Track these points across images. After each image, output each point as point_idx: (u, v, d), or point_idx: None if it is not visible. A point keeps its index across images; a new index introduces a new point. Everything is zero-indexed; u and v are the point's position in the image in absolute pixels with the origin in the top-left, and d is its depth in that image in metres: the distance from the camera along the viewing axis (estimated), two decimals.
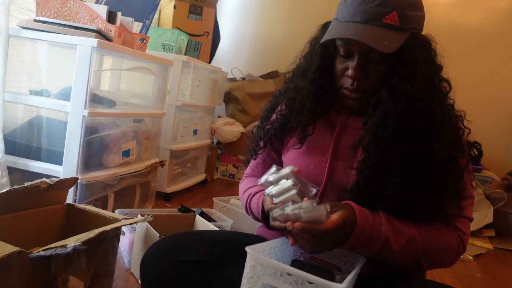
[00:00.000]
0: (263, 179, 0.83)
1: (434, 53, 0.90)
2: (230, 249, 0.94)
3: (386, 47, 0.81)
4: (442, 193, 0.86)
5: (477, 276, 1.94)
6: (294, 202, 0.79)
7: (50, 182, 1.09)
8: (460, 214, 0.89)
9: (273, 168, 0.84)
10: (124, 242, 1.41)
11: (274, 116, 1.06)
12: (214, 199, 1.95)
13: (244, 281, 0.72)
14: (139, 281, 1.10)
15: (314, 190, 0.81)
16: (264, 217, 0.94)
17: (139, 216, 1.26)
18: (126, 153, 1.75)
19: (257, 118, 1.15)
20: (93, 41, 1.44)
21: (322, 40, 0.88)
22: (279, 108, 1.06)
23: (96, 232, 0.89)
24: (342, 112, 0.97)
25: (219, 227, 1.43)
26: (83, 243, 0.83)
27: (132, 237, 1.39)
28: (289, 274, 0.69)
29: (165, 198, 2.28)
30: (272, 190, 0.81)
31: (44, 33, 1.51)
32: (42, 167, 1.53)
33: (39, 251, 0.78)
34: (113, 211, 1.50)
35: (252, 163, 1.14)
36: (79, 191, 1.50)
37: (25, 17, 1.76)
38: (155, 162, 1.98)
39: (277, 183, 0.81)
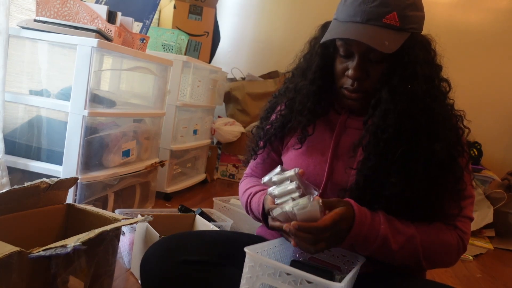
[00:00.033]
0: (266, 178, 0.83)
1: (434, 53, 0.90)
2: (230, 249, 0.94)
3: (386, 47, 0.81)
4: (442, 193, 0.86)
5: (477, 276, 1.94)
6: None
7: (50, 182, 1.09)
8: (460, 213, 0.89)
9: (278, 169, 0.84)
10: (124, 242, 1.41)
11: (273, 116, 1.06)
12: (214, 199, 1.95)
13: (243, 281, 0.72)
14: (139, 281, 1.10)
15: (316, 193, 0.81)
16: (265, 216, 0.94)
17: (139, 216, 1.26)
18: (126, 153, 1.75)
19: (257, 118, 1.15)
20: (93, 41, 1.44)
21: (322, 40, 0.88)
22: (278, 108, 1.06)
23: (96, 232, 0.89)
24: (342, 112, 0.97)
25: (219, 227, 1.43)
26: (83, 243, 0.83)
27: (132, 237, 1.39)
28: (288, 274, 0.69)
29: (165, 198, 2.28)
30: (274, 190, 0.81)
31: (44, 33, 1.51)
32: (42, 167, 1.53)
33: (39, 251, 0.78)
34: (113, 211, 1.50)
35: (252, 163, 1.14)
36: (79, 191, 1.50)
37: (25, 17, 1.76)
38: (155, 162, 1.98)
39: (280, 184, 0.81)
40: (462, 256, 0.93)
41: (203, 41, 2.75)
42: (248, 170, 1.16)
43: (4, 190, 1.00)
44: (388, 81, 0.86)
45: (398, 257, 0.85)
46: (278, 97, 1.08)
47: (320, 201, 0.76)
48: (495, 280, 1.91)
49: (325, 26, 0.97)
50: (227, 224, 1.62)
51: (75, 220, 1.17)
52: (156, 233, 1.22)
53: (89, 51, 1.45)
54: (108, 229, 0.94)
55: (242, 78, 3.34)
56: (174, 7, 2.71)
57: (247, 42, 3.56)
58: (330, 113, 1.00)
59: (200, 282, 0.88)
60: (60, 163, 1.52)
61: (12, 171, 1.54)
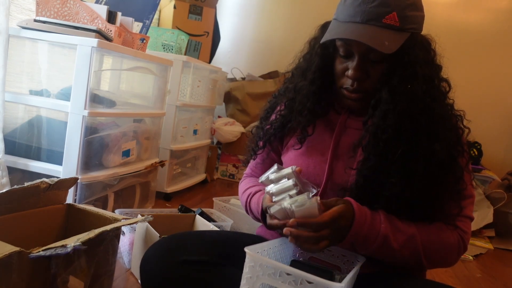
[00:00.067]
0: (264, 177, 0.84)
1: (433, 53, 0.90)
2: (230, 249, 0.94)
3: (386, 48, 0.81)
4: (442, 193, 0.86)
5: (477, 276, 1.94)
6: None
7: (50, 182, 1.09)
8: (460, 213, 0.89)
9: (274, 167, 0.84)
10: (124, 242, 1.41)
11: (273, 117, 1.06)
12: (214, 199, 1.95)
13: (243, 281, 0.72)
14: (139, 281, 1.10)
15: (314, 191, 0.81)
16: (264, 216, 0.94)
17: (139, 216, 1.26)
18: (126, 153, 1.75)
19: (257, 118, 1.15)
20: (93, 41, 1.44)
21: (322, 40, 0.88)
22: (278, 108, 1.06)
23: (96, 232, 0.89)
24: (342, 112, 0.97)
25: (219, 227, 1.43)
26: (83, 243, 0.83)
27: (132, 237, 1.39)
28: (288, 274, 0.69)
29: (165, 198, 2.28)
30: (272, 188, 0.81)
31: (44, 33, 1.51)
32: (42, 167, 1.53)
33: (39, 251, 0.78)
34: (113, 211, 1.50)
35: (252, 163, 1.14)
36: (79, 191, 1.50)
37: (25, 17, 1.76)
38: (155, 162, 1.98)
39: (278, 182, 0.81)
40: (462, 256, 0.93)
41: (203, 41, 2.75)
42: (248, 170, 1.16)
43: (4, 190, 1.00)
44: (388, 81, 0.86)
45: (399, 256, 0.85)
46: (277, 97, 1.08)
47: (318, 198, 0.76)
48: (495, 280, 1.91)
49: (324, 26, 0.97)
50: (227, 224, 1.62)
51: (75, 220, 1.17)
52: (156, 233, 1.22)
53: (89, 51, 1.45)
54: (108, 229, 0.94)
55: (242, 78, 3.34)
56: (174, 7, 2.71)
57: (247, 42, 3.56)
58: (330, 113, 1.00)
59: (200, 282, 0.88)
60: (60, 163, 1.52)
61: (12, 171, 1.54)
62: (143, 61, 1.90)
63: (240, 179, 1.30)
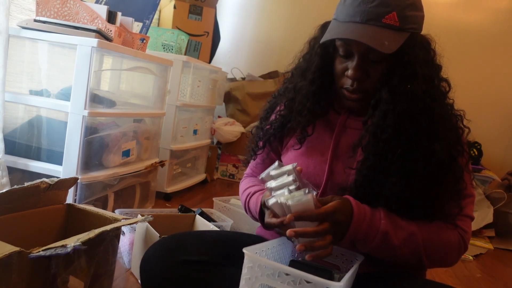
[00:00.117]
0: (264, 173, 0.84)
1: (433, 53, 0.90)
2: (230, 249, 0.93)
3: (386, 47, 0.81)
4: (442, 193, 0.86)
5: (477, 276, 1.94)
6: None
7: (50, 182, 1.09)
8: (460, 212, 0.89)
9: (275, 164, 0.84)
10: (124, 242, 1.41)
11: (273, 117, 1.06)
12: (214, 199, 1.95)
13: (242, 282, 0.72)
14: (139, 281, 1.10)
15: (314, 192, 0.81)
16: (262, 216, 0.94)
17: (139, 216, 1.26)
18: (126, 153, 1.75)
19: (257, 118, 1.15)
20: (93, 41, 1.44)
21: (322, 40, 0.88)
22: (278, 108, 1.06)
23: (96, 232, 0.89)
24: (342, 113, 0.97)
25: (219, 227, 1.43)
26: (83, 243, 0.83)
27: (132, 237, 1.39)
28: (287, 274, 0.69)
29: (165, 198, 2.28)
30: (272, 183, 0.81)
31: (44, 33, 1.51)
32: (42, 167, 1.53)
33: (39, 251, 0.78)
34: (113, 211, 1.50)
35: (252, 163, 1.14)
36: (79, 191, 1.50)
37: (25, 17, 1.76)
38: (155, 162, 1.98)
39: (278, 178, 0.81)
40: (462, 256, 0.92)
41: (203, 41, 2.75)
42: (248, 170, 1.16)
43: (4, 190, 1.00)
44: (388, 81, 0.86)
45: (399, 254, 0.85)
46: (277, 98, 1.08)
47: (314, 193, 0.77)
48: (495, 280, 1.91)
49: (324, 26, 0.97)
50: (227, 224, 1.62)
51: (75, 220, 1.17)
52: (156, 233, 1.22)
53: (89, 51, 1.45)
54: (108, 229, 0.94)
55: (242, 78, 3.34)
56: (174, 7, 2.71)
57: (247, 42, 3.56)
58: (330, 113, 1.00)
59: (200, 282, 0.88)
60: (60, 163, 1.52)
61: (12, 171, 1.54)
62: (143, 61, 1.90)
63: (240, 179, 1.30)
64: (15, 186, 1.02)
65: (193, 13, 2.78)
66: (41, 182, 1.07)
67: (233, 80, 3.29)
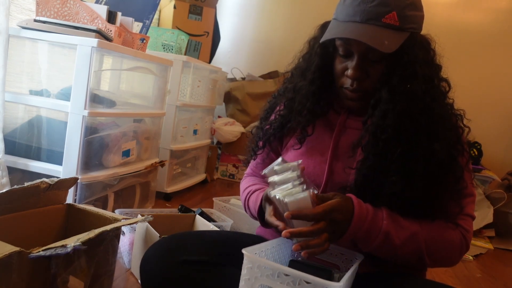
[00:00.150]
0: (268, 169, 0.84)
1: (433, 53, 0.90)
2: (230, 249, 0.93)
3: (386, 47, 0.81)
4: (442, 193, 0.86)
5: (477, 276, 1.94)
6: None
7: (50, 182, 1.09)
8: (461, 212, 0.89)
9: (279, 160, 0.84)
10: (124, 242, 1.41)
11: (272, 117, 1.06)
12: (214, 199, 1.95)
13: (241, 283, 0.72)
14: (139, 281, 1.10)
15: (311, 190, 0.81)
16: (261, 214, 0.94)
17: (139, 216, 1.27)
18: (126, 153, 1.75)
19: (257, 118, 1.15)
20: (93, 41, 1.44)
21: (322, 39, 0.88)
22: (277, 108, 1.06)
23: (96, 232, 0.89)
24: (342, 112, 0.97)
25: (219, 227, 1.43)
26: (83, 243, 0.83)
27: (132, 237, 1.39)
28: (286, 275, 0.69)
29: (165, 198, 2.28)
30: (275, 178, 0.81)
31: (44, 33, 1.51)
32: (42, 167, 1.53)
33: (39, 251, 0.78)
34: (113, 211, 1.50)
35: (252, 163, 1.14)
36: (79, 191, 1.50)
37: (25, 17, 1.76)
38: (155, 162, 1.98)
39: (282, 173, 0.81)
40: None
41: (203, 41, 2.75)
42: (248, 170, 1.17)
43: (4, 190, 1.00)
44: (387, 81, 0.86)
45: (401, 254, 0.84)
46: (277, 98, 1.08)
47: (311, 190, 0.77)
48: (495, 280, 1.91)
49: (324, 26, 0.97)
50: (227, 224, 1.62)
51: (75, 220, 1.17)
52: (156, 233, 1.22)
53: (89, 51, 1.45)
54: (108, 229, 0.94)
55: (242, 78, 3.34)
56: (174, 7, 2.71)
57: (247, 42, 3.56)
58: (330, 113, 1.00)
59: (200, 282, 0.88)
60: (60, 163, 1.52)
61: (12, 171, 1.54)
62: (143, 61, 1.90)
63: (240, 179, 1.31)
64: (15, 186, 1.02)
65: (193, 13, 2.78)
66: (41, 182, 1.07)
67: (233, 80, 3.29)
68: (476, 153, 2.91)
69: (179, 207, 1.73)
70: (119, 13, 1.68)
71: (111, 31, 1.59)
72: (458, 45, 3.11)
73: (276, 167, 0.82)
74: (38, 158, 1.59)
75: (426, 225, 0.86)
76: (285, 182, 0.80)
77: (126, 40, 1.77)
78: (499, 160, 3.15)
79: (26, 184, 1.04)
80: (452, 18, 3.19)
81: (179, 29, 2.68)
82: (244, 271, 0.71)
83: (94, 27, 1.50)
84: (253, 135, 1.10)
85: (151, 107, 2.08)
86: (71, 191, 1.34)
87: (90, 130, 1.53)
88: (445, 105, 0.89)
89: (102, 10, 1.59)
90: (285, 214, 0.76)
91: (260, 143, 1.06)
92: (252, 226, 1.66)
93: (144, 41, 1.86)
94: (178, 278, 0.87)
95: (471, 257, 2.17)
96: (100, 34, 1.50)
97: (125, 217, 1.10)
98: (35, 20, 1.51)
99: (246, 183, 1.10)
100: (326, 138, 0.97)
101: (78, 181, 1.47)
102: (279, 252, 0.88)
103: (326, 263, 0.89)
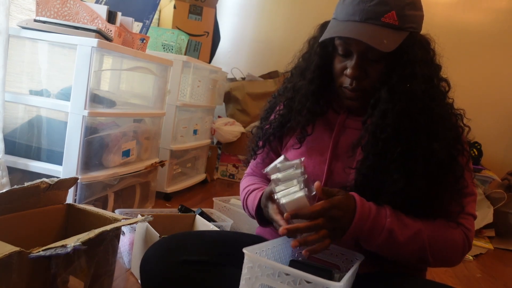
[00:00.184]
0: (270, 167, 0.84)
1: (433, 52, 0.90)
2: (230, 249, 0.93)
3: (385, 46, 0.81)
4: (442, 192, 0.86)
5: (477, 276, 1.94)
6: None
7: (50, 182, 1.09)
8: (462, 211, 0.89)
9: (281, 158, 0.84)
10: (124, 242, 1.41)
11: (272, 116, 1.06)
12: (214, 199, 1.95)
13: (242, 282, 0.72)
14: (139, 281, 1.10)
15: (314, 192, 0.81)
16: (259, 213, 0.94)
17: (139, 216, 1.27)
18: (126, 153, 1.75)
19: (257, 118, 1.15)
20: (93, 41, 1.44)
21: (321, 39, 0.88)
22: (277, 108, 1.06)
23: (96, 232, 0.89)
24: (341, 112, 0.97)
25: (219, 227, 1.43)
26: (83, 243, 0.83)
27: (132, 237, 1.39)
28: (287, 274, 0.69)
29: (165, 198, 2.28)
30: (278, 175, 0.81)
31: (44, 33, 1.51)
32: (42, 167, 1.53)
33: (39, 251, 0.78)
34: (113, 211, 1.50)
35: (252, 163, 1.14)
36: (79, 191, 1.50)
37: (25, 17, 1.76)
38: (155, 162, 1.98)
39: (285, 171, 0.81)
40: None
41: (203, 41, 2.76)
42: (248, 169, 1.17)
43: (4, 190, 1.00)
44: (387, 81, 0.86)
45: (404, 252, 0.84)
46: (277, 97, 1.08)
47: (306, 189, 0.77)
48: (495, 280, 1.91)
49: (324, 26, 0.97)
50: (227, 224, 1.62)
51: (75, 220, 1.17)
52: (156, 233, 1.22)
53: (89, 51, 1.45)
54: (108, 229, 0.94)
55: (242, 78, 3.34)
56: (174, 7, 2.71)
57: (247, 42, 3.56)
58: (329, 113, 0.99)
59: (200, 282, 0.88)
60: (60, 163, 1.52)
61: (12, 171, 1.54)
62: (143, 61, 1.90)
63: (240, 179, 1.31)
64: (15, 186, 1.02)
65: (193, 13, 2.78)
66: (41, 182, 1.07)
67: (233, 80, 3.29)
68: (476, 153, 2.91)
69: (179, 207, 1.73)
70: (119, 13, 1.68)
71: (111, 31, 1.59)
72: (458, 45, 3.11)
73: (279, 165, 0.82)
74: (38, 158, 1.59)
75: (428, 224, 0.86)
76: (289, 179, 0.80)
77: (126, 40, 1.77)
78: (499, 160, 3.15)
79: (26, 184, 1.04)
80: (452, 18, 3.19)
81: (179, 29, 2.68)
82: (244, 270, 0.71)
83: (94, 27, 1.50)
84: (253, 135, 1.10)
85: (151, 107, 2.08)
86: (71, 191, 1.34)
87: (90, 130, 1.53)
88: (445, 105, 0.89)
89: (102, 10, 1.59)
90: (284, 215, 0.76)
91: (260, 143, 1.06)
92: (252, 226, 1.66)
93: (144, 41, 1.86)
94: (178, 278, 0.87)
95: (471, 257, 2.17)
96: (100, 34, 1.50)
97: (125, 217, 1.10)
98: (35, 20, 1.51)
99: (245, 182, 1.10)
100: (326, 138, 0.97)
101: (78, 181, 1.48)
102: (280, 252, 0.88)
103: (327, 263, 0.89)
